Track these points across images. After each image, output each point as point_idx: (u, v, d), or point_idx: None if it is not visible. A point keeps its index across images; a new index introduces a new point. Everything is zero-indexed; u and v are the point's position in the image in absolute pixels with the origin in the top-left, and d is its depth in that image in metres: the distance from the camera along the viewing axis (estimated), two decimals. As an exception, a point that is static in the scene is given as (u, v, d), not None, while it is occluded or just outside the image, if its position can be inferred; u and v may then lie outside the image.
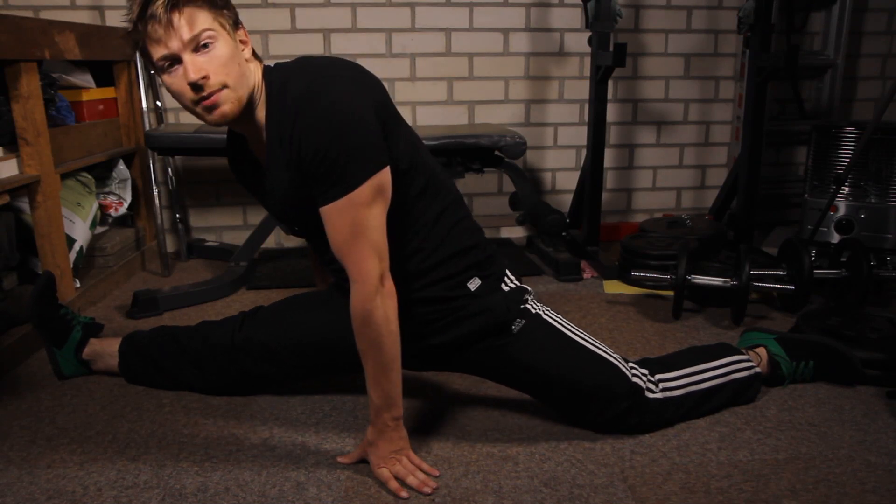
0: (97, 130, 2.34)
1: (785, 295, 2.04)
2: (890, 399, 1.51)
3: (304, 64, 1.19)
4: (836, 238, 2.33)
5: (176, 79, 1.12)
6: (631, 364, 1.39)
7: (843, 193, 2.33)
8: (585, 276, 2.43)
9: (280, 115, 1.15)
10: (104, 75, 2.45)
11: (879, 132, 2.23)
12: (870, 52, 3.05)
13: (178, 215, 2.73)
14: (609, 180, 3.00)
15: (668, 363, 1.45)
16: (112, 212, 2.46)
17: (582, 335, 1.38)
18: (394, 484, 1.21)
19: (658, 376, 1.40)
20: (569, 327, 1.38)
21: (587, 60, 2.80)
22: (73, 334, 1.62)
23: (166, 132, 2.28)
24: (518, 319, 1.33)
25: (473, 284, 1.31)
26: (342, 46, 2.69)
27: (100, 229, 2.43)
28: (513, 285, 1.36)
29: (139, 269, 2.53)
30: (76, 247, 2.12)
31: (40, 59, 1.92)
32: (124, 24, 1.12)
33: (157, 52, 1.10)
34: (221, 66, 1.12)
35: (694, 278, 1.98)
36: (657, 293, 2.24)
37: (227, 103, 1.14)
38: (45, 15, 2.52)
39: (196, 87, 1.11)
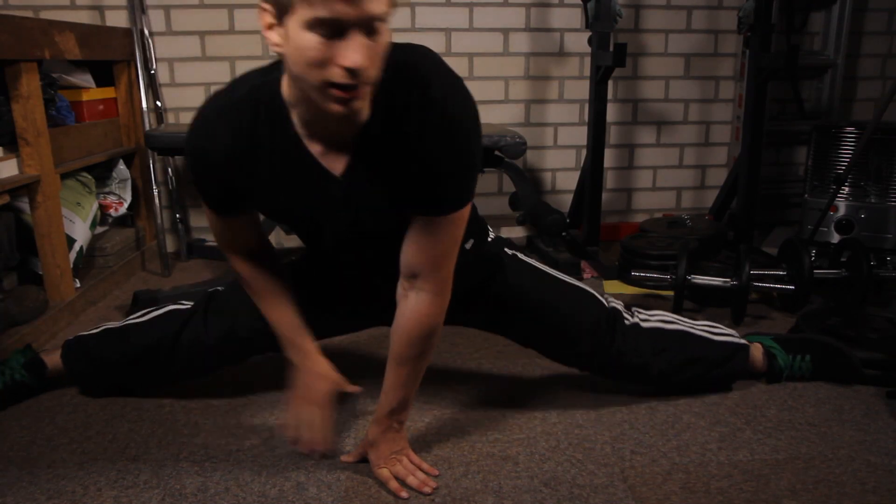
0: (97, 130, 2.34)
1: (785, 295, 2.04)
2: (890, 399, 1.51)
3: (430, 60, 1.03)
4: (836, 238, 2.33)
5: (323, 49, 0.87)
6: (607, 294, 1.49)
7: (843, 193, 2.33)
8: (585, 276, 2.42)
9: (407, 113, 1.01)
10: (104, 75, 2.44)
11: (879, 132, 2.23)
12: (870, 52, 3.05)
13: (178, 215, 2.73)
14: (609, 180, 3.00)
15: (646, 308, 1.56)
16: (112, 212, 2.46)
17: (557, 273, 1.46)
18: (394, 484, 1.21)
19: (634, 310, 1.51)
20: (544, 266, 1.46)
21: (587, 60, 2.79)
22: (25, 383, 1.51)
23: (166, 132, 2.27)
24: (506, 254, 1.40)
25: (469, 244, 1.32)
26: (342, 46, 2.69)
27: (100, 229, 2.43)
28: (493, 235, 1.42)
29: (139, 269, 2.52)
30: (76, 247, 2.12)
31: (40, 59, 1.92)
32: None
33: (318, 11, 0.85)
34: (379, 59, 0.92)
35: (694, 278, 1.98)
36: (657, 293, 2.24)
37: (363, 100, 0.94)
38: (45, 15, 2.51)
39: (353, 73, 0.89)
